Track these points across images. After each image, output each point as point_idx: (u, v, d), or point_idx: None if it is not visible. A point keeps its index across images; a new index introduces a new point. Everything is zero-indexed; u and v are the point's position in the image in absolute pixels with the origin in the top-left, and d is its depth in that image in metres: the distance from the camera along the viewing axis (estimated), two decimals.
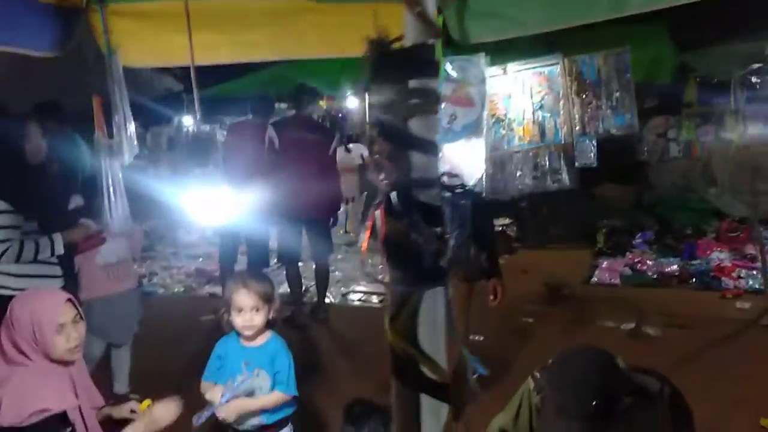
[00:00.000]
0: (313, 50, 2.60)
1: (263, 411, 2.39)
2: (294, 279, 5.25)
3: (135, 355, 3.87)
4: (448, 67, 2.30)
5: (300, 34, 2.43)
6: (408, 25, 0.92)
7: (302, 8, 2.42)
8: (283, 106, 7.62)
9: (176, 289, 6.29)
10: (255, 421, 2.39)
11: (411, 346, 0.95)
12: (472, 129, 2.43)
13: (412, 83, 0.91)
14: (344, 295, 5.97)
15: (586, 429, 1.64)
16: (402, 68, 0.90)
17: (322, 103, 7.27)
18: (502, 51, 4.72)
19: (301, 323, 5.12)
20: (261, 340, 2.42)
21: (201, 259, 7.05)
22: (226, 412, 2.30)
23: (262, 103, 5.12)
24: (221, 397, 2.29)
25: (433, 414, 0.97)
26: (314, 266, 5.36)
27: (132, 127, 1.90)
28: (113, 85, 1.89)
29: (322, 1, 2.38)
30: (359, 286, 6.14)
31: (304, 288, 5.52)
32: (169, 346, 4.70)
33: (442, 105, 2.63)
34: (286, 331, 3.05)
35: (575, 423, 1.65)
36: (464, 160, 2.59)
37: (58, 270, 3.09)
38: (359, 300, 5.88)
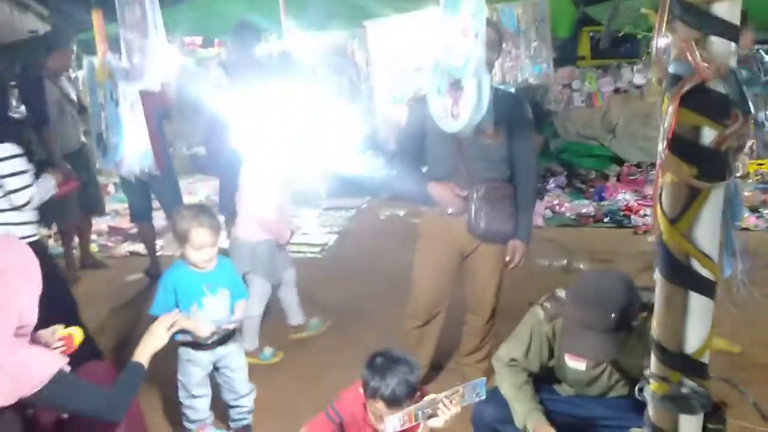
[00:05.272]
0: None
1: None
2: None
3: None
4: None
5: None
6: None
7: None
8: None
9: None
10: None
11: (692, 245, 0.94)
12: (473, 62, 2.37)
13: None
14: None
15: (609, 339, 1.85)
16: None
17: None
18: None
19: None
20: (213, 263, 2.47)
21: (110, 216, 6.43)
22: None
23: (248, 31, 4.27)
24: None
25: (701, 312, 0.96)
26: None
27: (165, 44, 1.61)
28: None
29: None
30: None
31: None
32: (97, 310, 4.28)
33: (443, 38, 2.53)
34: None
35: (600, 334, 1.85)
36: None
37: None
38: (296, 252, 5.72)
